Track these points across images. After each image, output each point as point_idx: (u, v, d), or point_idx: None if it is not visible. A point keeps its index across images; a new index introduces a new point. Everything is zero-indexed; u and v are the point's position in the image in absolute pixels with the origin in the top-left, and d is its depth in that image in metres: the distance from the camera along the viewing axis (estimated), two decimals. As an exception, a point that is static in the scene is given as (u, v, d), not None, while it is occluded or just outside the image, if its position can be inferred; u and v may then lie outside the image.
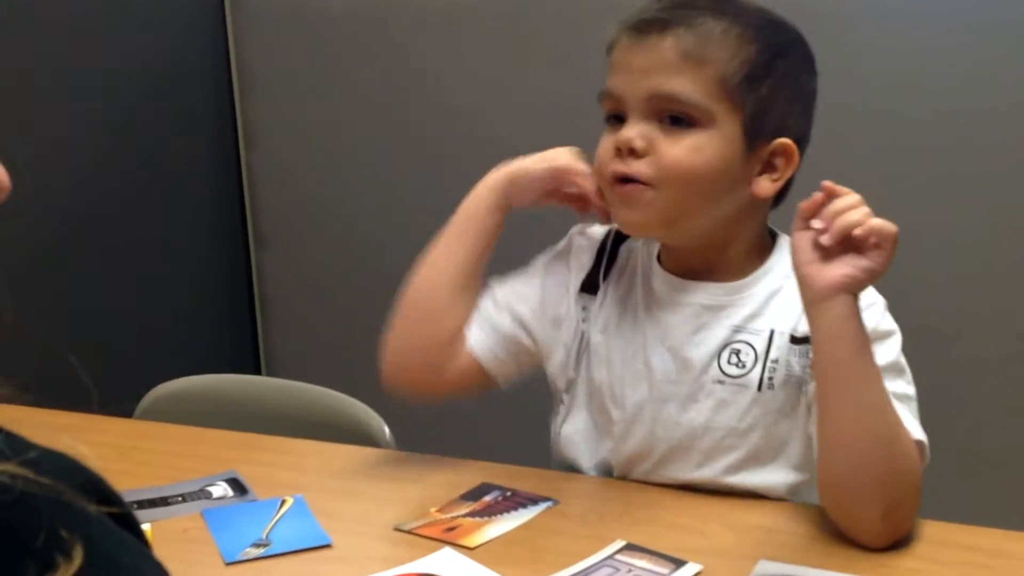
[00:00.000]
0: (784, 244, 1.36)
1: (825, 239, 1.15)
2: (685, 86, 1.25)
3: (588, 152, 1.36)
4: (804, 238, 1.18)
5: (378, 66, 2.65)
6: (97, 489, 0.53)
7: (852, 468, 1.17)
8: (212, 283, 2.85)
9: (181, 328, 2.74)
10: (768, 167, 1.29)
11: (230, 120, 2.82)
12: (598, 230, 1.44)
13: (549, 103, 2.38)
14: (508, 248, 1.43)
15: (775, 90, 1.27)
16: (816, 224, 1.16)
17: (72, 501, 0.51)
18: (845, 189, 1.17)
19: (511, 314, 1.42)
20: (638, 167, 1.27)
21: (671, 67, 1.26)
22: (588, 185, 1.37)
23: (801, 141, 1.31)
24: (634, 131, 1.27)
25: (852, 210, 1.15)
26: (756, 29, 1.28)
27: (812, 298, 1.18)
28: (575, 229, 1.45)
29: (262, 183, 2.83)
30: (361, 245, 2.76)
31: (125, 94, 2.55)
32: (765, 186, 1.29)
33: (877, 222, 1.14)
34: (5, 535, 0.48)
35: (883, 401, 1.19)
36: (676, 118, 1.26)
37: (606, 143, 1.31)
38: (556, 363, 1.42)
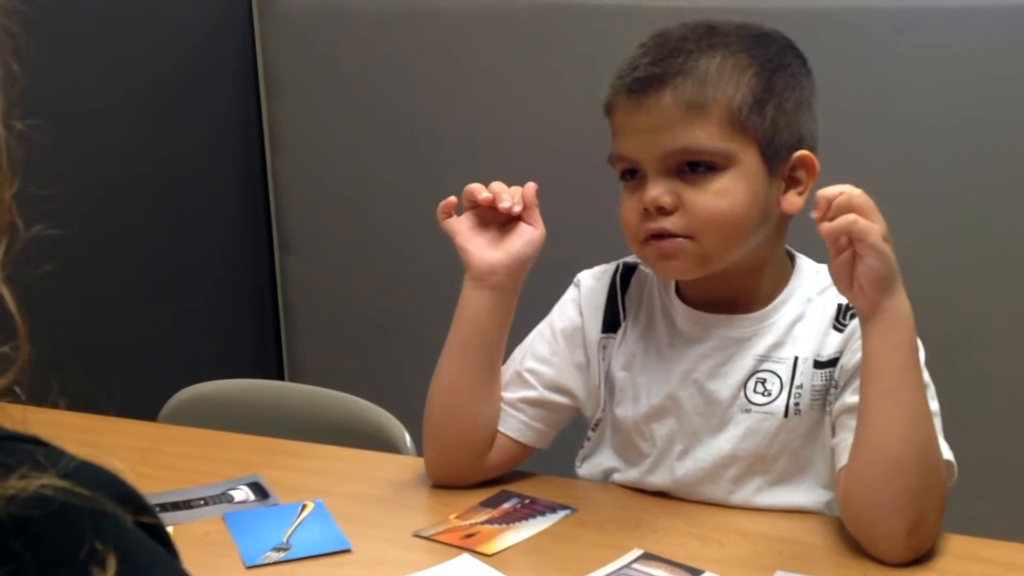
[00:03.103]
0: (804, 266, 1.36)
1: (834, 252, 1.17)
2: (697, 137, 1.24)
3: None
4: (832, 269, 1.19)
5: (404, 71, 2.66)
6: (132, 501, 0.54)
7: (888, 476, 1.17)
8: (236, 287, 2.87)
9: (205, 332, 2.75)
10: (792, 182, 1.29)
11: (256, 124, 2.84)
12: (604, 268, 1.44)
13: (574, 106, 2.38)
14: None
15: (781, 106, 1.27)
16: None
17: (109, 513, 0.52)
18: (830, 192, 1.16)
19: (540, 381, 1.41)
20: (671, 222, 1.26)
21: (677, 121, 1.25)
22: (487, 194, 1.37)
23: (815, 144, 1.31)
24: (658, 189, 1.26)
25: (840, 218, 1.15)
26: (747, 53, 1.27)
27: (864, 317, 1.19)
28: (580, 275, 1.45)
29: (287, 187, 2.85)
30: (386, 250, 2.77)
31: (151, 98, 2.57)
32: (794, 201, 1.29)
33: (838, 222, 1.14)
34: (44, 546, 0.49)
35: (926, 413, 1.19)
36: (695, 165, 1.26)
37: (630, 204, 1.30)
38: (590, 407, 1.42)
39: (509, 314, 1.39)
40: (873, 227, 1.14)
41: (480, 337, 1.39)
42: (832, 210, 1.15)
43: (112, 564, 0.49)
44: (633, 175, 1.30)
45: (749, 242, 1.29)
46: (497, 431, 1.41)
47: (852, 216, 1.13)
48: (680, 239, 1.27)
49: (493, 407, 1.41)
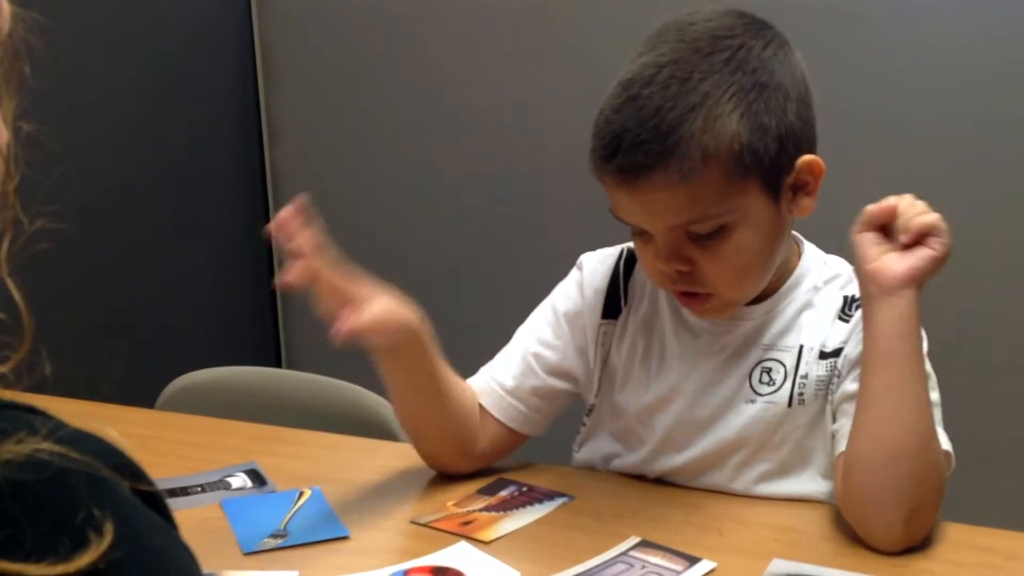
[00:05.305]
0: (811, 253, 1.35)
1: (903, 238, 1.18)
2: (697, 209, 1.20)
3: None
4: (866, 238, 1.20)
5: (401, 61, 2.66)
6: (129, 468, 0.54)
7: (887, 465, 1.17)
8: (234, 275, 2.87)
9: (203, 320, 2.75)
10: (799, 185, 1.25)
11: (254, 113, 2.83)
12: (609, 252, 1.42)
13: (569, 100, 2.38)
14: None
15: (776, 125, 1.20)
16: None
17: (106, 479, 0.52)
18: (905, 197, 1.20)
19: (543, 366, 1.40)
20: (690, 283, 1.25)
21: (673, 201, 1.19)
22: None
23: (813, 130, 1.26)
24: (669, 259, 1.23)
25: (914, 208, 1.18)
26: (727, 92, 1.18)
27: (878, 293, 1.18)
28: (583, 257, 1.43)
29: (285, 176, 2.84)
30: (383, 239, 2.76)
31: (150, 87, 2.57)
32: (807, 204, 1.26)
33: (934, 216, 1.18)
34: (42, 512, 0.49)
35: (927, 403, 1.19)
36: (701, 233, 1.22)
37: (644, 255, 1.28)
38: (589, 391, 1.42)
39: (422, 356, 1.32)
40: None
41: (409, 388, 1.36)
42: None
43: (109, 530, 0.49)
44: (641, 230, 1.27)
45: (774, 266, 1.29)
46: (494, 419, 1.40)
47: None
48: (703, 295, 1.26)
49: (458, 409, 1.38)
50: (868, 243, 1.20)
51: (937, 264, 1.17)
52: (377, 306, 1.27)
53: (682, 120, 1.17)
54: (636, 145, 1.18)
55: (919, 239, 1.18)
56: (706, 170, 1.18)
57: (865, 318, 1.21)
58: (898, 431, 1.17)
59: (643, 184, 1.19)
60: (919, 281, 1.18)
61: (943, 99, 2.19)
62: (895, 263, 1.18)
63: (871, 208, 1.20)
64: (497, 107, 2.57)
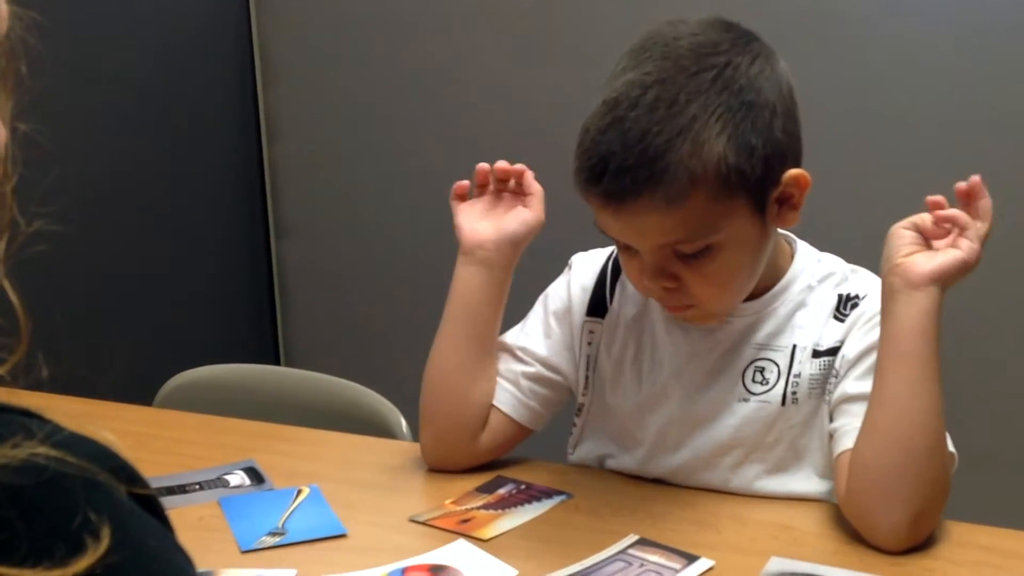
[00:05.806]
0: (804, 252, 1.35)
1: (931, 225, 1.18)
2: (686, 230, 1.19)
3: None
4: (904, 234, 1.19)
5: (400, 60, 2.65)
6: (126, 473, 0.54)
7: (899, 466, 1.16)
8: (233, 273, 2.87)
9: (201, 317, 2.75)
10: (785, 199, 1.24)
11: (253, 112, 2.83)
12: (599, 252, 1.43)
13: (567, 100, 2.37)
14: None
15: (764, 144, 1.19)
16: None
17: (102, 483, 0.52)
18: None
19: (535, 359, 1.41)
20: (676, 298, 1.25)
21: (659, 224, 1.19)
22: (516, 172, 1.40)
23: (798, 143, 1.25)
24: (655, 276, 1.23)
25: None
26: (715, 114, 1.17)
27: (901, 286, 1.18)
28: (574, 257, 1.44)
29: (284, 174, 2.84)
30: (381, 237, 2.77)
31: (150, 86, 2.56)
32: (793, 218, 1.26)
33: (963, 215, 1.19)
34: (38, 516, 0.49)
35: (941, 404, 1.19)
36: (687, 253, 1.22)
37: (629, 267, 1.28)
38: (577, 389, 1.42)
39: (500, 291, 1.39)
40: (982, 233, 1.19)
41: (469, 312, 1.39)
42: (970, 204, 1.19)
43: (106, 534, 0.49)
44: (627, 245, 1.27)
45: (758, 274, 1.29)
46: (491, 406, 1.41)
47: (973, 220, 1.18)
48: (688, 306, 1.27)
49: (485, 386, 1.41)
50: (905, 239, 1.19)
51: (963, 267, 1.17)
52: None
53: (669, 145, 1.16)
54: (623, 170, 1.17)
55: (953, 241, 1.18)
56: (693, 193, 1.17)
57: (885, 313, 1.20)
58: (912, 432, 1.17)
59: (629, 207, 1.19)
60: (943, 281, 1.17)
61: (943, 99, 2.19)
62: (922, 259, 1.18)
63: (929, 220, 1.19)
64: (496, 107, 2.57)
